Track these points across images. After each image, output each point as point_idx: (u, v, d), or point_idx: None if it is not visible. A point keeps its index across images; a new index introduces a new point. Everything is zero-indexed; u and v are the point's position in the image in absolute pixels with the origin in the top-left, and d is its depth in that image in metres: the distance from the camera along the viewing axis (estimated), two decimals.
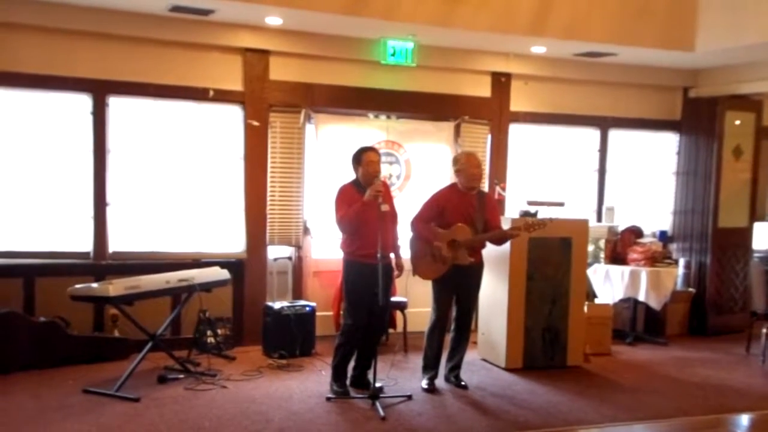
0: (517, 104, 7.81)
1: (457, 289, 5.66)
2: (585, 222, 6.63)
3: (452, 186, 5.79)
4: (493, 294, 6.33)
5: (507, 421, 4.96)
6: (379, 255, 5.07)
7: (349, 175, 5.52)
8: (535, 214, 6.32)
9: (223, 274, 6.23)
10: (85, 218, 6.42)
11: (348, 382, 5.51)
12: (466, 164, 5.66)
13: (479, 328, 6.66)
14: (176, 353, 6.01)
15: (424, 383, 5.65)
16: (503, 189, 7.36)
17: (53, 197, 6.34)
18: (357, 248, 5.30)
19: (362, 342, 5.46)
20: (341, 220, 5.28)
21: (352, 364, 5.58)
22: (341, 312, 5.88)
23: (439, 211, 5.62)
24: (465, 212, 5.58)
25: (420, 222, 5.63)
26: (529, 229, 5.56)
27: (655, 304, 7.29)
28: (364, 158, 5.36)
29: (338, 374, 5.47)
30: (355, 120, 7.29)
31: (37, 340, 5.89)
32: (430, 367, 5.73)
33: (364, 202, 5.18)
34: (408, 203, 6.85)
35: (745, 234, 8.23)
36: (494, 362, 6.40)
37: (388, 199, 5.38)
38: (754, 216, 8.27)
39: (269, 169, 6.89)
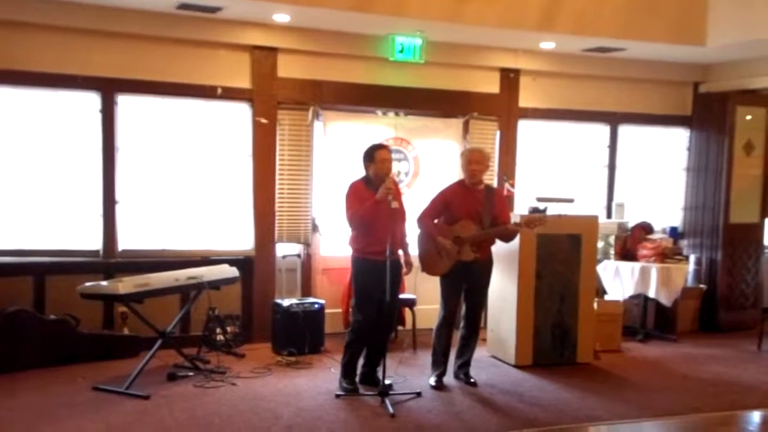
0: (525, 100, 7.77)
1: (464, 286, 5.64)
2: (594, 218, 6.60)
3: (460, 182, 5.78)
4: (503, 291, 6.31)
5: (516, 419, 4.95)
6: (387, 252, 5.07)
7: (358, 172, 5.51)
8: (544, 211, 6.30)
9: (232, 271, 6.24)
10: (94, 216, 6.44)
11: (357, 379, 5.52)
12: (466, 160, 5.68)
13: (488, 325, 6.65)
14: (186, 351, 6.02)
15: (432, 380, 5.64)
16: (512, 185, 7.33)
17: (62, 195, 6.37)
18: (367, 245, 5.29)
19: (372, 339, 5.46)
20: (353, 217, 5.26)
21: (361, 361, 5.58)
22: (350, 309, 5.88)
23: (445, 207, 5.62)
24: (471, 208, 5.56)
25: (426, 218, 5.64)
26: (530, 225, 5.52)
27: (665, 300, 7.25)
28: (378, 156, 5.35)
29: (347, 371, 5.47)
30: (364, 117, 7.28)
31: (47, 338, 5.92)
32: (438, 363, 5.72)
33: (376, 200, 5.17)
34: (417, 200, 6.82)
35: (757, 230, 8.18)
36: (503, 359, 6.38)
37: (398, 196, 5.38)
38: (766, 212, 8.20)
39: (278, 167, 6.89)
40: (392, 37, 6.88)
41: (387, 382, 5.29)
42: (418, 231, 5.69)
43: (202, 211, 6.79)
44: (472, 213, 5.55)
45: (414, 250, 5.69)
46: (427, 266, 5.66)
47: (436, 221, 5.67)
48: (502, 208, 5.70)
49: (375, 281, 5.15)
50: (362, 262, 5.33)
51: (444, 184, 5.97)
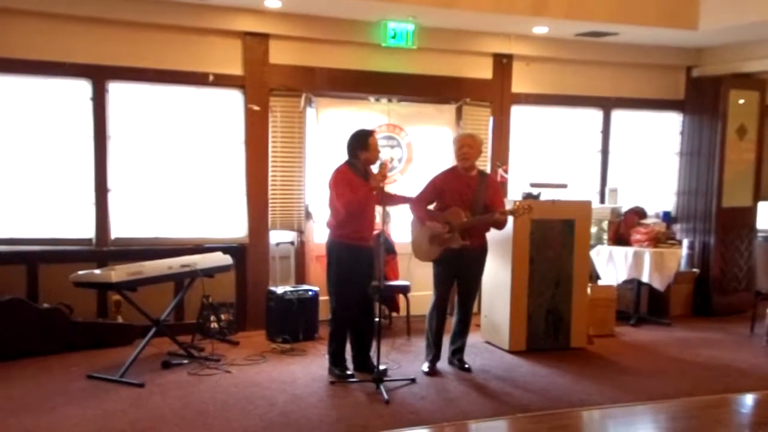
0: (518, 86, 7.76)
1: (456, 273, 5.65)
2: (588, 203, 6.60)
3: (452, 168, 5.76)
4: (496, 276, 6.32)
5: (510, 404, 4.96)
6: (381, 237, 5.12)
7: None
8: (537, 196, 6.32)
9: (226, 259, 6.22)
10: (86, 205, 6.42)
11: (352, 366, 5.54)
12: (457, 144, 5.69)
13: (482, 311, 6.67)
14: (180, 338, 6.03)
15: (425, 366, 5.66)
16: (505, 171, 7.34)
17: (55, 184, 6.35)
18: (352, 231, 5.30)
19: (359, 325, 5.49)
20: (350, 204, 5.22)
21: (351, 351, 5.61)
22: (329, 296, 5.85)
23: (437, 194, 5.63)
24: (462, 194, 5.55)
25: (417, 204, 5.65)
26: (515, 214, 5.50)
27: (658, 285, 7.28)
28: (372, 142, 5.37)
29: (337, 359, 5.49)
30: (356, 103, 7.26)
31: (41, 327, 5.91)
32: (430, 349, 5.73)
33: (373, 187, 5.20)
34: (410, 186, 6.82)
35: (749, 213, 8.21)
36: (497, 345, 6.40)
37: None
38: (758, 195, 8.23)
39: (270, 154, 6.87)
40: (385, 22, 6.85)
41: (382, 367, 5.31)
42: (411, 217, 5.69)
43: (195, 198, 6.77)
44: (463, 199, 5.54)
45: (408, 236, 5.71)
46: (418, 252, 5.69)
47: (431, 207, 5.67)
48: (494, 195, 5.67)
49: (362, 266, 5.17)
50: (347, 247, 5.31)
51: (437, 170, 5.96)
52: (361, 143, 5.37)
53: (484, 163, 7.42)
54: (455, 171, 5.69)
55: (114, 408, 4.71)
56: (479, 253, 5.70)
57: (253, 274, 6.89)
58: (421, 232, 5.60)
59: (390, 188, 6.94)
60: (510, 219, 5.70)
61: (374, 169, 5.31)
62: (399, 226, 6.94)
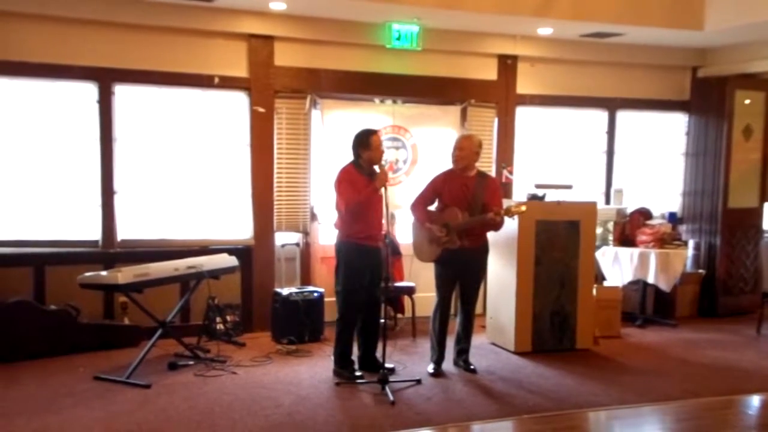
0: (523, 87, 7.75)
1: (457, 273, 5.64)
2: (593, 204, 6.60)
3: (451, 169, 5.75)
4: (502, 278, 6.32)
5: (516, 405, 4.96)
6: (386, 237, 5.15)
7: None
8: (542, 197, 6.31)
9: (231, 260, 6.24)
10: (93, 207, 6.44)
11: (356, 365, 5.55)
12: (452, 146, 5.68)
13: (488, 312, 6.67)
14: (186, 340, 6.03)
15: (430, 368, 5.66)
16: (510, 172, 7.33)
17: (61, 186, 6.37)
18: (359, 230, 5.32)
19: (366, 325, 5.50)
20: (350, 204, 5.27)
21: (357, 350, 5.62)
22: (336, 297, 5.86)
23: (436, 194, 5.66)
24: (460, 195, 5.56)
25: (417, 205, 5.68)
26: (508, 213, 5.48)
27: (664, 286, 7.26)
28: (374, 142, 5.38)
29: (345, 361, 5.50)
30: (361, 105, 7.26)
31: (48, 328, 5.93)
32: (434, 349, 5.73)
33: (375, 188, 5.22)
34: (415, 188, 6.81)
35: (756, 214, 8.18)
36: (503, 346, 6.40)
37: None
38: (765, 196, 8.20)
39: (276, 156, 6.89)
40: (389, 24, 6.85)
41: (390, 365, 5.31)
42: (411, 218, 5.71)
43: (201, 200, 6.78)
44: (461, 200, 5.54)
45: (409, 237, 5.73)
46: (419, 253, 5.72)
47: (432, 208, 5.68)
48: (493, 196, 5.63)
49: (367, 266, 5.20)
50: (354, 247, 5.34)
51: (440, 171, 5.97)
52: (363, 143, 5.40)
53: (489, 164, 7.43)
54: (454, 172, 5.70)
55: (120, 409, 4.73)
56: (479, 254, 5.70)
57: (259, 276, 6.90)
58: (421, 233, 5.62)
59: (396, 189, 7.00)
60: (513, 221, 5.71)
61: (377, 168, 5.33)
62: (403, 227, 6.94)
